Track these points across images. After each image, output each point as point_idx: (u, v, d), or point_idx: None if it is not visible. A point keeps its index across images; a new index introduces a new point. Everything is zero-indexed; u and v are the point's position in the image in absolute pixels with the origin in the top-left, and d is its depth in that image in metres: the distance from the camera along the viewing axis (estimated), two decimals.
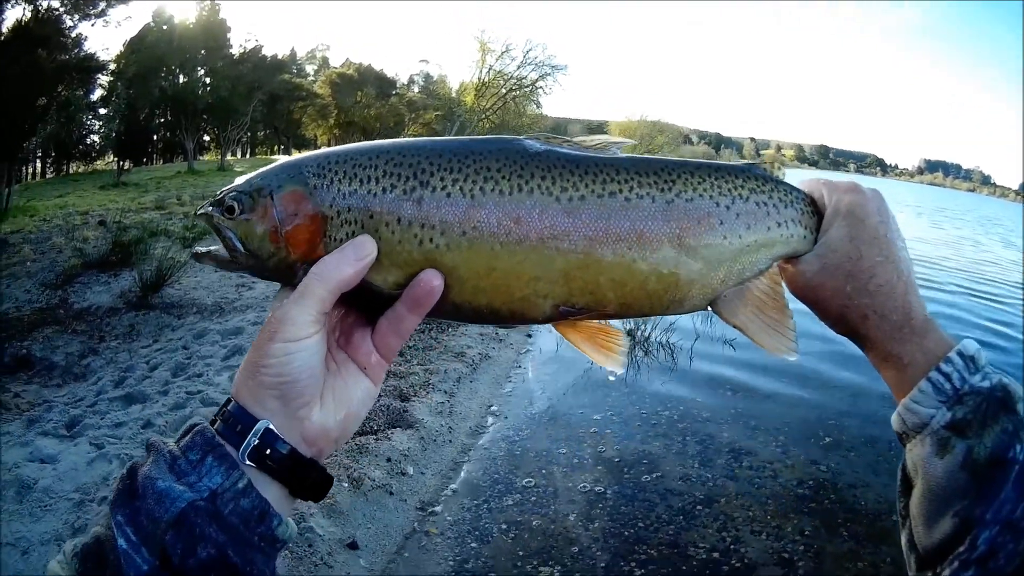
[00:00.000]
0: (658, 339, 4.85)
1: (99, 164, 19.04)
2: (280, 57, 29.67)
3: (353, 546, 2.39)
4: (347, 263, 0.53)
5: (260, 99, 23.11)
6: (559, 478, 2.98)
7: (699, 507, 2.75)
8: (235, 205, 0.57)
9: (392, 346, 0.57)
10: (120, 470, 0.46)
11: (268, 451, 0.49)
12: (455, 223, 0.56)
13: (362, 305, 0.58)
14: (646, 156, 0.63)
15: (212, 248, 0.59)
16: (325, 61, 37.83)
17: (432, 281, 0.54)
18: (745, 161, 0.68)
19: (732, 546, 2.47)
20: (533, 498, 2.82)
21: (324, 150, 0.60)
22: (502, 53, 32.71)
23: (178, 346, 4.49)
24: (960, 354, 0.56)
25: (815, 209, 0.66)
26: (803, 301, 0.64)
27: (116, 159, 17.30)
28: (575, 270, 0.57)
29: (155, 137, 20.95)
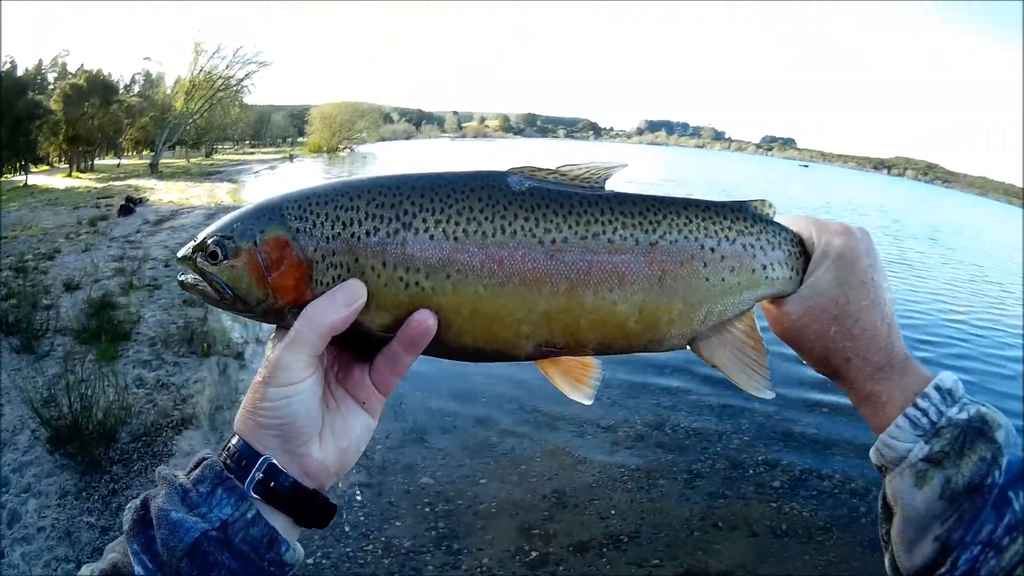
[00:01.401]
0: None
1: None
2: (28, 70, 30.12)
3: None
4: (337, 308, 0.53)
5: (4, 126, 21.26)
6: None
7: None
8: (218, 251, 0.56)
9: (390, 382, 0.57)
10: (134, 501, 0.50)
11: (272, 484, 0.51)
12: (439, 266, 0.55)
13: (356, 344, 0.57)
14: (633, 194, 0.62)
15: (201, 284, 0.58)
16: (64, 68, 34.52)
17: (426, 321, 0.54)
18: (734, 199, 0.66)
19: None
20: None
21: (302, 189, 0.58)
22: (213, 53, 33.03)
23: None
24: (937, 388, 0.56)
25: (803, 250, 0.65)
26: (786, 341, 0.64)
27: None
28: (557, 312, 0.57)
29: None
